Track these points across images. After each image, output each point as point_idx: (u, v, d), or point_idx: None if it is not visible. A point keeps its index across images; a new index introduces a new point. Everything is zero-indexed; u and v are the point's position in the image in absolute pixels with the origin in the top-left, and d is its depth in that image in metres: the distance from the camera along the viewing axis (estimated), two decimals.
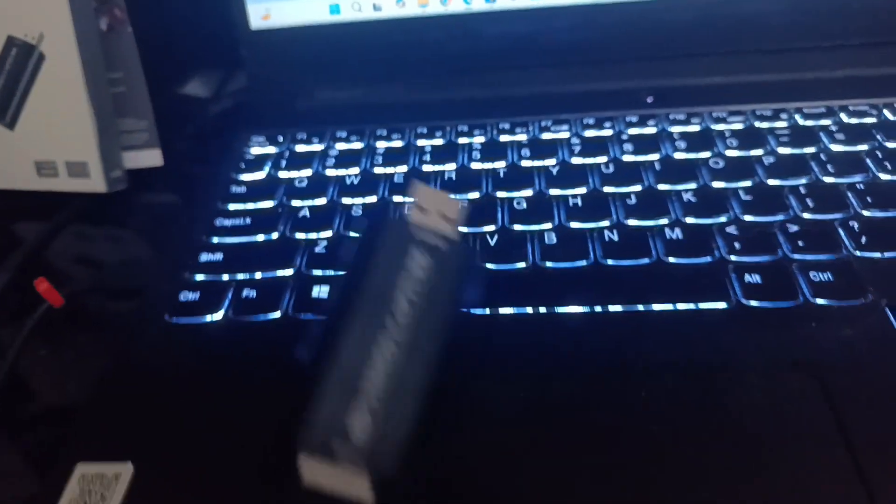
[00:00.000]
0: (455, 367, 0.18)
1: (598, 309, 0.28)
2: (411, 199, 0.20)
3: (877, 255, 0.29)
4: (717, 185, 0.34)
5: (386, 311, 0.17)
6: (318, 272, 0.31)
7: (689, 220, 0.32)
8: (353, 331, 0.17)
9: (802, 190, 0.32)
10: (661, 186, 0.34)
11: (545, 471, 0.22)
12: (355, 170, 0.37)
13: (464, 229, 0.17)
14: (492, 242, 0.32)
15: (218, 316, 0.30)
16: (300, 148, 0.40)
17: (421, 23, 0.42)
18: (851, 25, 0.40)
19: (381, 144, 0.39)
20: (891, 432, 0.22)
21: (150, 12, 0.45)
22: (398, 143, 0.39)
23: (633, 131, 0.38)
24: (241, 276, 0.32)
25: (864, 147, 0.35)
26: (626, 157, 0.36)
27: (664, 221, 0.32)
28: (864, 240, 0.29)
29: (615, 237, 0.31)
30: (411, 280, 0.17)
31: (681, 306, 0.28)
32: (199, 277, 0.32)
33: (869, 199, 0.31)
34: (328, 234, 0.33)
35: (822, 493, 0.21)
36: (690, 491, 0.22)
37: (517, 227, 0.32)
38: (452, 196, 0.20)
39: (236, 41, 0.44)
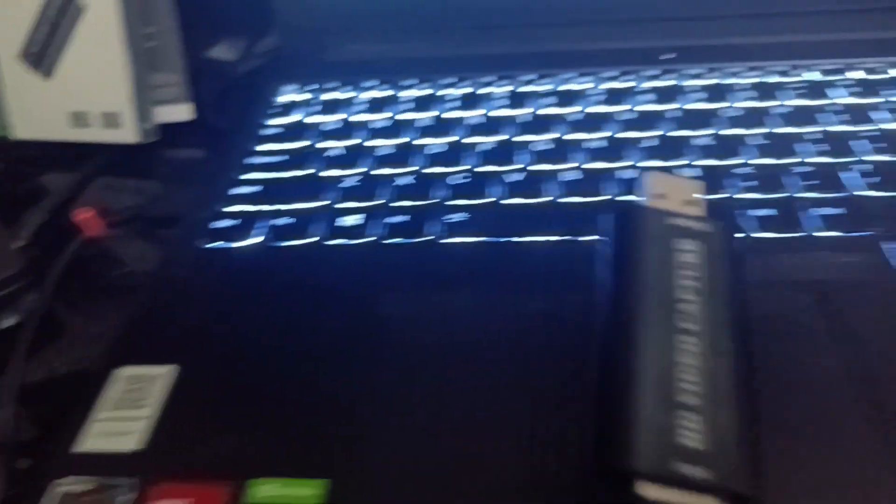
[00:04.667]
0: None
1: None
2: (649, 191, 0.18)
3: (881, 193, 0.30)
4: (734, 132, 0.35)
5: (672, 310, 0.15)
6: (349, 204, 0.33)
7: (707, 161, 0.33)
8: (646, 337, 0.15)
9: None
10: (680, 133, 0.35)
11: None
12: (383, 115, 0.39)
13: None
14: (516, 178, 0.33)
15: (250, 242, 0.31)
16: (329, 96, 0.41)
17: None
18: None
19: (408, 93, 0.41)
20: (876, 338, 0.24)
21: None
22: (426, 92, 0.41)
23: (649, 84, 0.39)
24: (275, 207, 0.33)
25: (872, 100, 0.36)
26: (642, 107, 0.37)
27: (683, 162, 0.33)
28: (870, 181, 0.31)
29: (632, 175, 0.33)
30: (686, 270, 0.16)
31: None
32: (234, 209, 0.34)
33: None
34: (359, 170, 0.35)
35: (817, 388, 0.22)
36: None
37: (537, 167, 0.34)
38: (688, 177, 0.18)
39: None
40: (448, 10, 0.44)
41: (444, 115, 0.39)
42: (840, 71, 0.38)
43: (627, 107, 0.37)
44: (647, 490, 0.14)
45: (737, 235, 0.16)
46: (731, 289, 0.16)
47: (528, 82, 0.40)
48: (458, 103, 0.39)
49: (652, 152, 0.34)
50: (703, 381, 0.14)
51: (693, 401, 0.14)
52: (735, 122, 0.35)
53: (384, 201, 0.33)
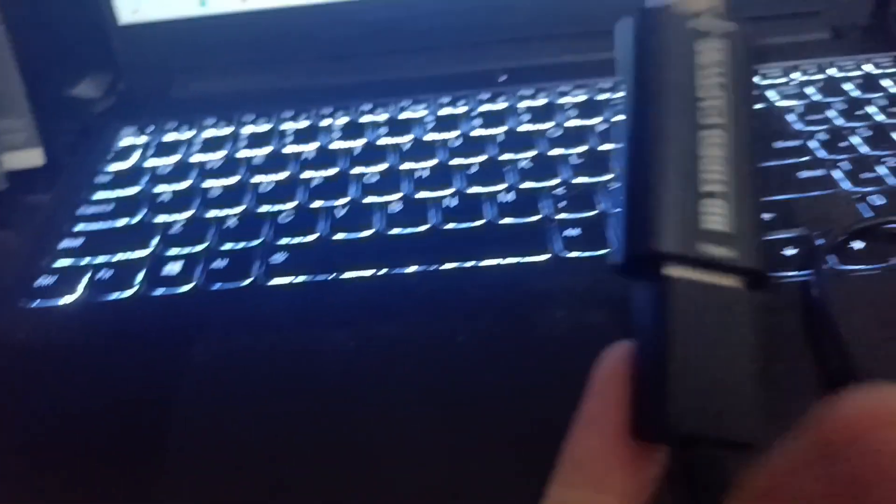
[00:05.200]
0: None
1: (434, 267, 0.30)
2: None
3: None
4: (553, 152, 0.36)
5: (695, 107, 0.15)
6: (174, 251, 0.33)
7: (524, 185, 0.34)
8: (669, 133, 0.15)
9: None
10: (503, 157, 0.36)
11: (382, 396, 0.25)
12: (219, 154, 0.39)
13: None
14: (342, 213, 0.34)
15: (73, 298, 0.31)
16: (168, 137, 0.41)
17: (288, 13, 0.44)
18: None
19: (247, 129, 0.41)
20: None
21: (23, 11, 0.45)
22: (265, 127, 0.41)
23: (483, 108, 0.40)
24: (99, 260, 0.33)
25: None
26: (474, 132, 0.38)
27: (500, 187, 0.34)
28: None
29: (455, 203, 0.33)
30: (711, 68, 0.16)
31: (509, 260, 0.30)
32: (59, 264, 0.33)
33: None
34: (187, 214, 0.35)
35: None
36: (501, 399, 0.24)
37: (367, 199, 0.34)
38: None
39: (106, 37, 0.45)
40: (290, 42, 0.45)
41: (283, 151, 0.39)
42: None
43: (457, 132, 0.38)
44: (674, 271, 0.14)
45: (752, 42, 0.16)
46: (751, 86, 0.16)
47: (365, 112, 0.41)
48: (293, 137, 0.39)
49: (477, 177, 0.35)
50: (727, 170, 0.15)
51: (718, 188, 0.14)
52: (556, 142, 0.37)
53: (207, 245, 0.33)
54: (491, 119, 0.39)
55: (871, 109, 0.37)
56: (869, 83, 0.39)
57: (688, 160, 0.15)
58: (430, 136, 0.38)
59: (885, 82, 0.40)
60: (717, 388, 0.14)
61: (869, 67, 0.41)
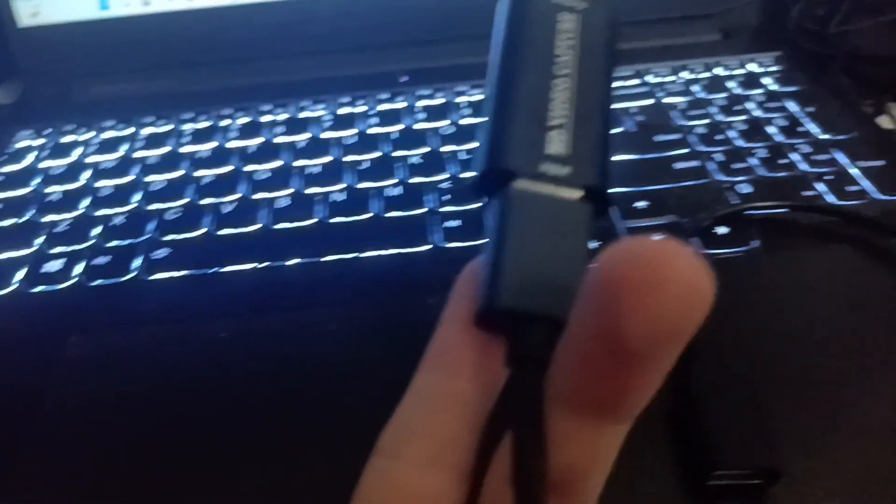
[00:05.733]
0: None
1: (315, 259, 0.31)
2: None
3: None
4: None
5: (552, 58, 0.18)
6: (57, 249, 0.32)
7: (412, 180, 0.35)
8: (526, 75, 0.17)
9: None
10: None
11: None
12: (115, 154, 0.39)
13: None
14: (230, 209, 0.34)
15: None
16: (66, 139, 0.40)
17: (189, 15, 0.44)
18: None
19: (147, 131, 0.41)
20: None
21: None
22: (164, 129, 0.41)
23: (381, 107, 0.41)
24: None
25: None
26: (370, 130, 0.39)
27: (389, 182, 0.35)
28: None
29: (344, 198, 0.34)
30: (565, 33, 0.18)
31: (390, 251, 0.31)
32: None
33: None
34: (75, 214, 0.34)
35: None
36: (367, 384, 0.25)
37: (257, 195, 0.35)
38: None
39: (6, 40, 0.44)
40: (192, 45, 0.45)
41: (179, 150, 0.39)
42: None
43: (354, 130, 0.39)
44: (518, 184, 0.16)
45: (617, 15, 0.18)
46: (604, 48, 0.18)
47: (265, 112, 0.41)
48: (190, 138, 0.39)
49: (368, 174, 0.36)
50: (570, 109, 0.17)
51: (561, 122, 0.17)
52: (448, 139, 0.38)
53: (93, 243, 0.33)
54: (388, 118, 0.40)
55: (749, 105, 0.39)
56: (750, 81, 0.41)
57: (539, 101, 0.17)
58: (327, 135, 0.39)
59: (766, 80, 0.41)
60: (546, 278, 0.16)
61: (752, 66, 0.43)
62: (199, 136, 0.40)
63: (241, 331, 0.28)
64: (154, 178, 0.37)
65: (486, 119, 0.17)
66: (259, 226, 0.33)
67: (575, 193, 0.16)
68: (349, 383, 0.26)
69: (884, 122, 0.45)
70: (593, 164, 0.17)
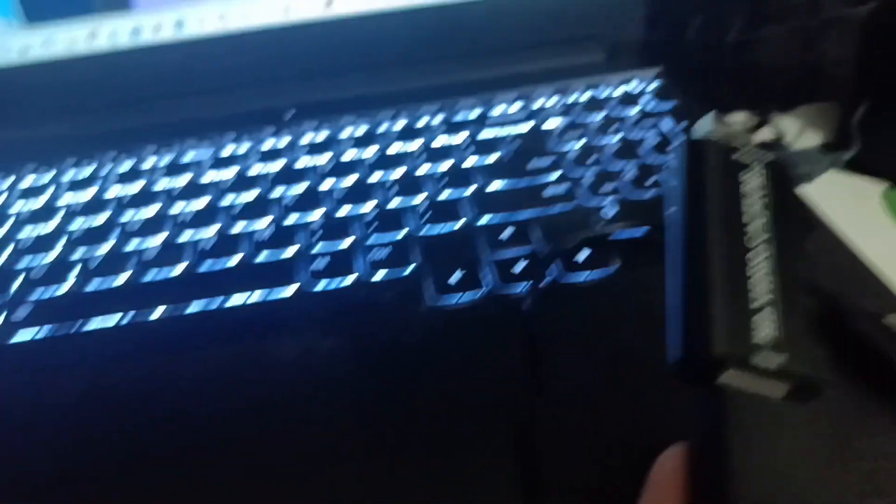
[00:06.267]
0: None
1: (181, 309, 0.30)
2: (709, 129, 0.19)
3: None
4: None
5: (744, 225, 0.17)
6: None
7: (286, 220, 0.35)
8: (718, 245, 0.17)
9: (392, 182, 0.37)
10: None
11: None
12: None
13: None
14: (98, 261, 0.33)
15: None
16: None
17: (71, 63, 0.44)
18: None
19: (26, 181, 0.40)
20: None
21: None
22: (44, 178, 0.40)
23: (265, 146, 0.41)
24: None
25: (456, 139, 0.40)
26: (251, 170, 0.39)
27: (263, 223, 0.35)
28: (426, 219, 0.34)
29: (214, 241, 0.34)
30: (753, 196, 0.17)
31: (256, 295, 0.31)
32: None
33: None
34: None
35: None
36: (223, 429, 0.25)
37: (128, 246, 0.34)
38: (740, 121, 0.20)
39: None
40: (79, 89, 0.44)
41: (56, 203, 0.38)
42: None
43: (236, 168, 0.39)
44: (731, 378, 0.15)
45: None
46: (787, 209, 0.17)
47: (149, 155, 0.41)
48: (68, 186, 0.39)
49: (242, 214, 0.35)
50: (774, 286, 0.16)
51: (766, 302, 0.16)
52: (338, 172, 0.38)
53: None
54: (269, 155, 0.40)
55: (625, 125, 0.40)
56: (628, 100, 0.42)
57: (740, 276, 0.16)
58: (207, 178, 0.39)
59: (643, 98, 0.42)
60: (778, 493, 0.15)
61: (632, 85, 0.44)
62: (77, 185, 0.39)
63: (93, 387, 0.28)
64: (26, 234, 0.36)
65: (682, 298, 0.17)
66: (127, 275, 0.33)
67: (780, 389, 0.15)
68: (204, 428, 0.26)
69: (763, 133, 0.46)
70: (808, 352, 0.15)
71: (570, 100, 0.43)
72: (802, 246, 0.18)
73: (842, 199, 0.38)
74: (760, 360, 0.15)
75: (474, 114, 0.42)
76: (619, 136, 0.39)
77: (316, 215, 0.35)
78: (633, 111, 0.41)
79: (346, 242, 0.33)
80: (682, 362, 0.16)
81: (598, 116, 0.41)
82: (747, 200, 0.17)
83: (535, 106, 0.42)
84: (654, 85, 0.44)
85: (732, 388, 0.15)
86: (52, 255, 0.34)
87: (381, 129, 0.41)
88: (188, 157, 0.40)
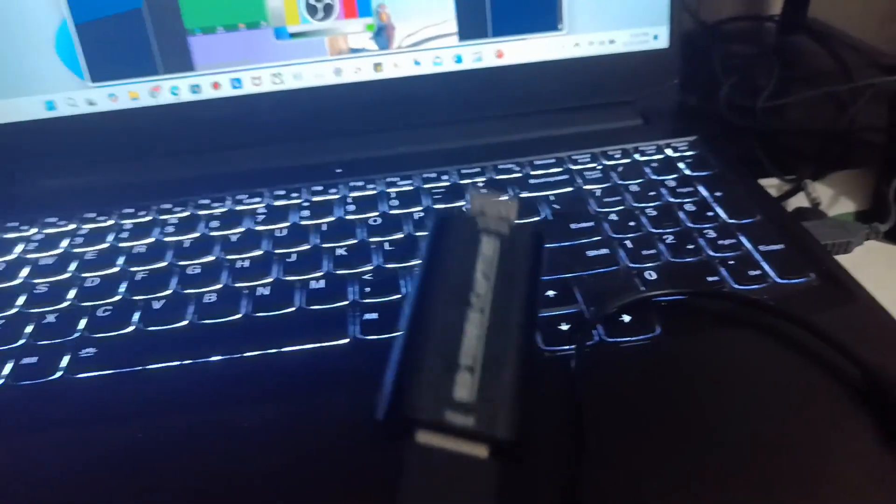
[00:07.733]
0: None
1: (238, 355, 0.32)
2: (471, 206, 0.20)
3: None
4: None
5: (468, 290, 0.17)
6: None
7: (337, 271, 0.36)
8: (440, 309, 0.17)
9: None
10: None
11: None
12: (54, 251, 0.40)
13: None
14: (159, 306, 0.35)
15: None
16: (7, 235, 0.42)
17: (131, 114, 0.46)
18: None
19: (88, 226, 0.42)
20: None
21: None
22: (107, 223, 0.42)
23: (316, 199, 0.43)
24: None
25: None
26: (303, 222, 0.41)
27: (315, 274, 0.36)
28: None
29: (268, 292, 0.35)
30: (485, 262, 0.18)
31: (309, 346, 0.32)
32: None
33: None
34: (9, 313, 0.36)
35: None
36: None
37: (187, 291, 0.36)
38: (505, 197, 0.20)
39: None
40: (134, 140, 0.47)
41: (118, 245, 0.40)
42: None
43: (286, 223, 0.41)
44: (423, 437, 0.15)
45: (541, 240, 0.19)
46: (523, 283, 0.18)
47: (203, 206, 0.43)
48: (128, 234, 0.41)
49: (295, 266, 0.37)
50: (479, 348, 0.16)
51: (469, 363, 0.16)
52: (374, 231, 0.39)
53: (24, 342, 0.34)
54: (319, 209, 0.42)
55: (662, 190, 0.41)
56: (665, 166, 0.44)
57: (451, 338, 0.17)
58: (260, 227, 0.40)
59: (680, 164, 0.44)
60: None
61: (669, 151, 0.45)
62: (137, 232, 0.41)
63: (155, 432, 0.29)
64: (90, 275, 0.38)
65: (395, 353, 0.17)
66: (186, 322, 0.34)
67: (480, 450, 0.15)
68: (260, 480, 0.27)
69: (798, 200, 0.47)
70: (503, 414, 0.15)
71: (609, 163, 0.44)
72: (533, 311, 0.18)
73: (881, 269, 0.39)
74: (450, 419, 0.15)
75: (515, 174, 0.44)
76: (657, 202, 0.40)
77: (365, 268, 0.36)
78: (671, 177, 0.42)
79: (396, 296, 0.34)
80: (381, 421, 0.16)
81: (637, 181, 0.42)
82: (479, 264, 0.18)
83: (574, 168, 0.44)
84: (690, 151, 0.45)
85: (435, 446, 0.15)
86: (114, 298, 0.36)
87: (427, 186, 0.43)
88: (241, 207, 0.42)
